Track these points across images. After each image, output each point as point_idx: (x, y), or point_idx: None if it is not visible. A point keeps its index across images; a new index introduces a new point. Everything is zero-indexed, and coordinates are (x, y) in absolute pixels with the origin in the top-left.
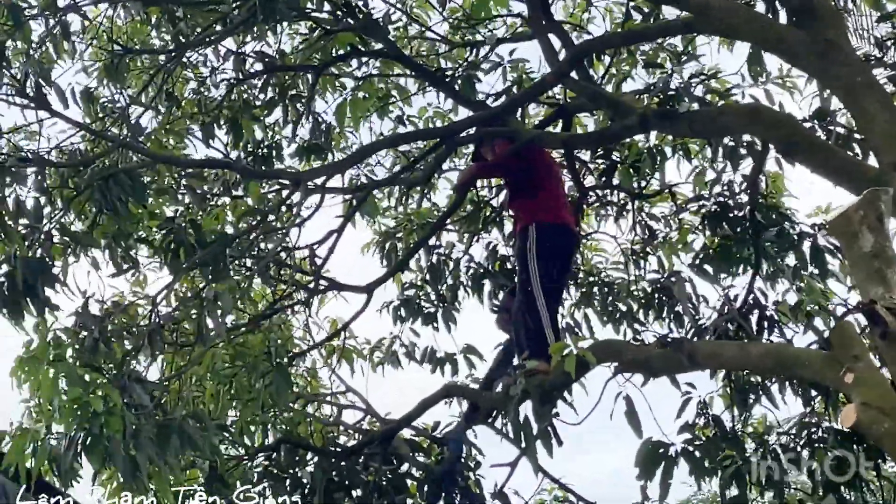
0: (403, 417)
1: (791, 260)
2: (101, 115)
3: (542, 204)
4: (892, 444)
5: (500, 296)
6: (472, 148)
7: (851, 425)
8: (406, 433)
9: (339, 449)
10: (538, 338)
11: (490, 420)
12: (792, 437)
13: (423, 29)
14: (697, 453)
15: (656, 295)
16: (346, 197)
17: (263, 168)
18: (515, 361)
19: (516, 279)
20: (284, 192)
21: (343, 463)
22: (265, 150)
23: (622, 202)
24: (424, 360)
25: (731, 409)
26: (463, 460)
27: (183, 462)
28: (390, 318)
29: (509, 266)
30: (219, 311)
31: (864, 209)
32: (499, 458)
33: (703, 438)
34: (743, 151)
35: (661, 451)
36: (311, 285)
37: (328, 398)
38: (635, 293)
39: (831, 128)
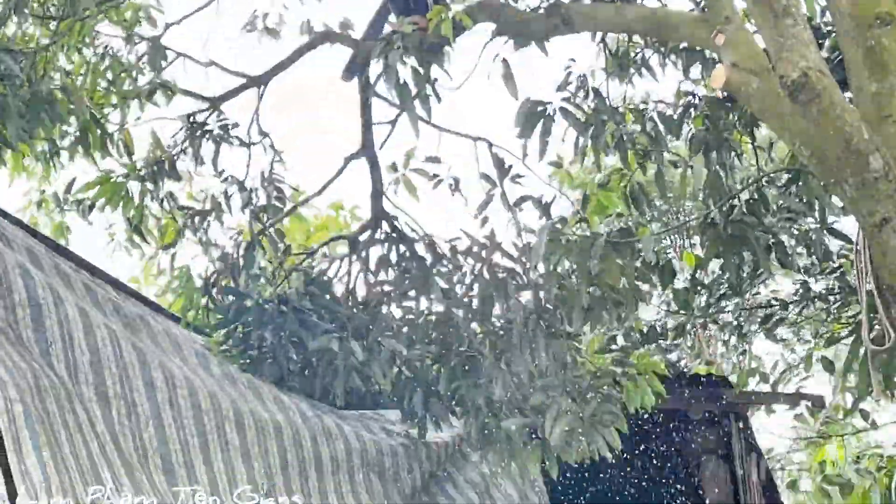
0: (278, 63)
1: None
2: None
3: None
4: (761, 103)
5: None
6: None
7: (722, 86)
8: None
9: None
10: None
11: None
12: (669, 104)
13: None
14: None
15: None
16: None
17: None
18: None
19: None
20: None
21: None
22: None
23: None
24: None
25: (609, 79)
26: None
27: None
28: None
29: None
30: None
31: None
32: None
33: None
34: None
35: (540, 109)
36: None
37: None
38: None
39: None
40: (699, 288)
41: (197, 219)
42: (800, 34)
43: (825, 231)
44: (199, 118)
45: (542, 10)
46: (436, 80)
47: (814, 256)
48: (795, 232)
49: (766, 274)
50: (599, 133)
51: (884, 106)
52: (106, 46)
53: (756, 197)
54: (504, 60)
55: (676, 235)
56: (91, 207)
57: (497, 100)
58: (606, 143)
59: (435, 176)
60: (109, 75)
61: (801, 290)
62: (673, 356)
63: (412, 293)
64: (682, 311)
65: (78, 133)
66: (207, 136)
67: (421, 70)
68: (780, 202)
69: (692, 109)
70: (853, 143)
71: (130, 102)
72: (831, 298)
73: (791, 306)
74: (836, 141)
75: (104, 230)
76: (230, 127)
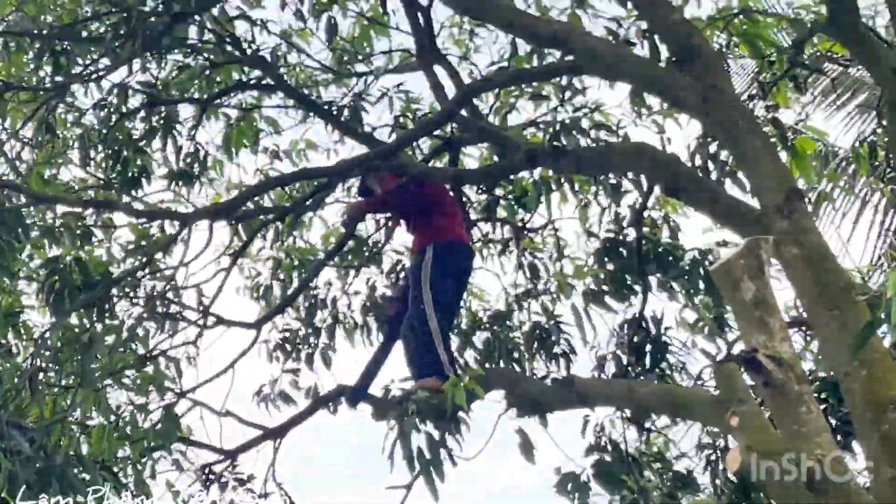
0: (294, 416)
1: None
2: None
3: (438, 225)
4: (776, 489)
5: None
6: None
7: (736, 469)
8: None
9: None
10: (429, 355)
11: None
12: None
13: (305, 57)
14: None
15: (537, 339)
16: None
17: (142, 200)
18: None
19: (409, 295)
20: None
21: None
22: (136, 173)
23: (506, 239)
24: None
25: (626, 434)
26: None
27: None
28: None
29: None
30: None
31: (746, 258)
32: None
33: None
34: (629, 186)
35: (574, 478)
36: (200, 322)
37: None
38: (517, 336)
39: (715, 163)
40: None
41: None
42: (814, 421)
43: None
44: (215, 469)
45: (555, 384)
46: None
47: None
48: None
49: None
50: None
51: None
52: (120, 413)
53: None
54: (520, 430)
55: None
56: None
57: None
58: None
59: None
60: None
61: None
62: None
63: None
64: None
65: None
66: (223, 487)
67: (436, 436)
68: None
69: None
70: None
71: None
72: None
73: None
74: None
75: None
76: (246, 480)
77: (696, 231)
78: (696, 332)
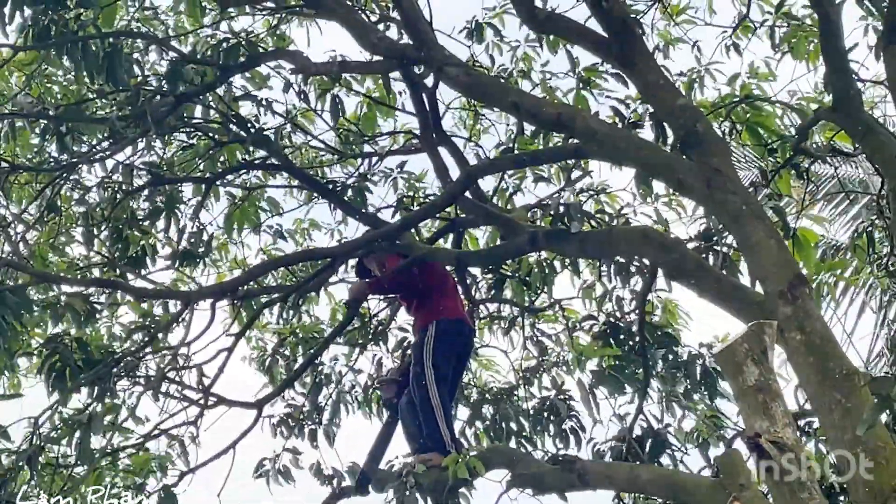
0: None
1: (683, 381)
2: None
3: (440, 305)
4: None
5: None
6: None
7: None
8: None
9: None
10: (431, 431)
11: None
12: None
13: (310, 138)
14: None
15: (546, 413)
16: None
17: (146, 278)
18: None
19: (411, 372)
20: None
21: None
22: (139, 252)
23: (512, 317)
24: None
25: None
26: None
27: None
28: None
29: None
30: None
31: (749, 342)
32: None
33: None
34: (633, 269)
35: None
36: (201, 402)
37: None
38: (525, 411)
39: (717, 248)
40: None
41: None
42: None
43: None
44: None
45: (556, 465)
46: None
47: None
48: None
49: None
50: None
51: None
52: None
53: None
54: None
55: None
56: None
57: None
58: None
59: None
60: None
61: None
62: None
63: None
64: None
65: None
66: None
67: None
68: None
69: None
70: None
71: None
72: None
73: None
74: None
75: None
76: None
77: (694, 318)
78: (692, 442)
